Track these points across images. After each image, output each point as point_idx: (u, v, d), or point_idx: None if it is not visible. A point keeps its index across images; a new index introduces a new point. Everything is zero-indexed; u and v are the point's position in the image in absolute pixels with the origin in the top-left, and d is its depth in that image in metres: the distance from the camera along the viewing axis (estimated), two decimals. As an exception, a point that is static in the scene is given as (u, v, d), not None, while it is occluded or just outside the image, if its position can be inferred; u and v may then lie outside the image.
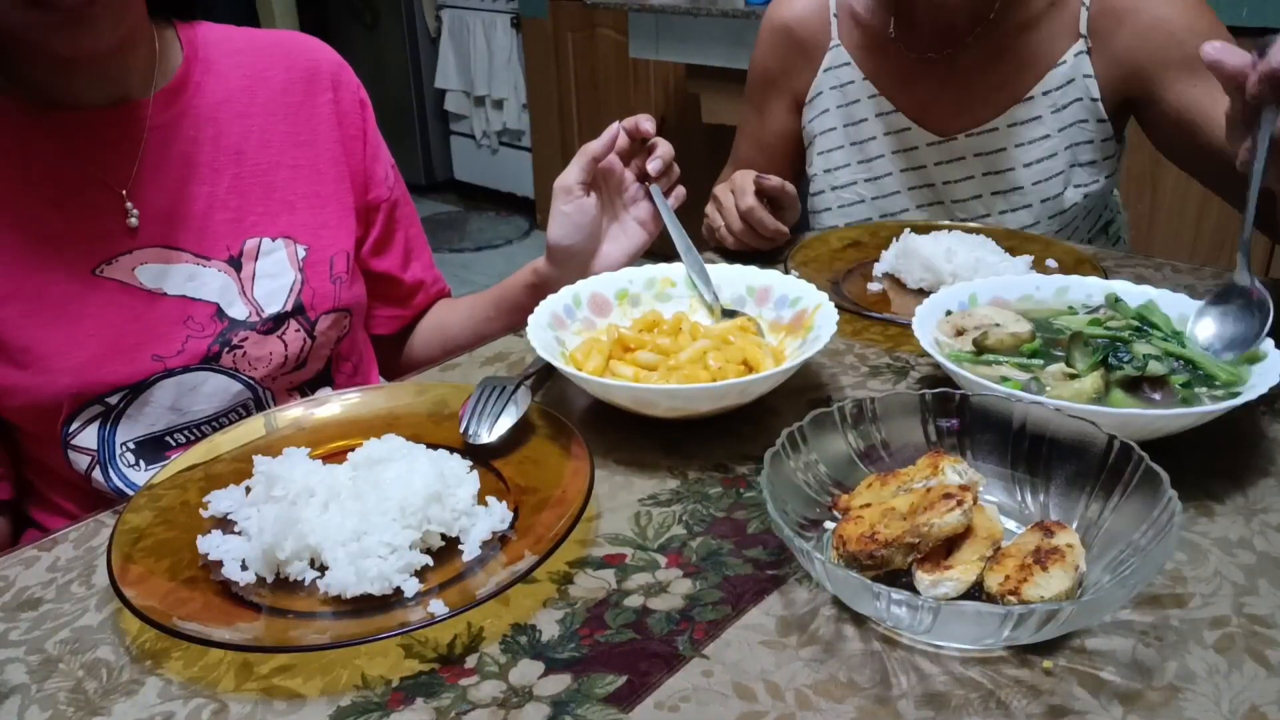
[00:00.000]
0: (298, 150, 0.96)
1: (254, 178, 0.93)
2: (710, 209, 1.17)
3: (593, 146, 0.96)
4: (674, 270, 0.94)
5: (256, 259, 0.92)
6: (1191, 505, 0.65)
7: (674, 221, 0.99)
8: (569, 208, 0.96)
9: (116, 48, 0.82)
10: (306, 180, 0.96)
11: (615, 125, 0.97)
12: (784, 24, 1.32)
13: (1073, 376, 0.74)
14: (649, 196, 1.01)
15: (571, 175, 0.96)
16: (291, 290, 0.93)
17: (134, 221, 0.86)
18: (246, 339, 0.90)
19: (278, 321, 0.92)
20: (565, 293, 0.88)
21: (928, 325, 0.81)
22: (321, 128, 0.98)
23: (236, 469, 0.71)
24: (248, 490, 0.67)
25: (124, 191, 0.86)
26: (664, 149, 0.99)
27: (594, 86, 3.91)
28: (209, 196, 0.90)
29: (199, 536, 0.63)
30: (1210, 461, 0.70)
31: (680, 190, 1.03)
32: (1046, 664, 0.52)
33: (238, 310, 0.90)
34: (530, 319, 0.81)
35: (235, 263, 0.91)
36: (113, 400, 0.85)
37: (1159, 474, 0.56)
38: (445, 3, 4.51)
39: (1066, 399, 0.69)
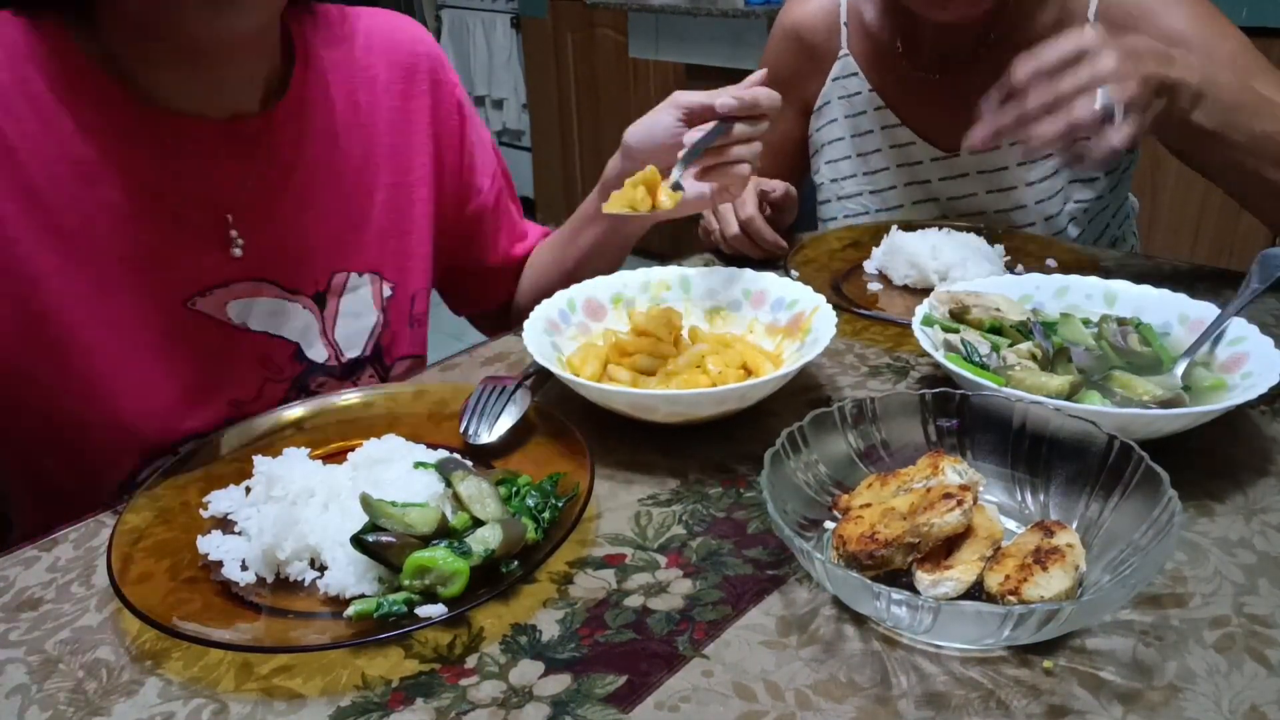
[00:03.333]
0: (394, 163, 0.93)
1: (354, 199, 0.90)
2: (707, 211, 1.16)
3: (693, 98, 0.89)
4: (669, 273, 0.93)
5: (342, 295, 0.89)
6: (1191, 505, 0.65)
7: (709, 140, 0.88)
8: (667, 116, 0.90)
9: (253, 38, 0.77)
10: (401, 202, 0.93)
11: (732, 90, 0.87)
12: (795, 28, 1.31)
13: (1035, 358, 0.76)
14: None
15: (687, 97, 0.90)
16: (371, 334, 0.92)
17: (238, 252, 0.81)
18: (323, 384, 0.88)
19: (355, 367, 0.91)
20: (560, 297, 0.87)
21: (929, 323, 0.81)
22: (417, 135, 0.95)
23: (236, 469, 0.71)
24: (248, 490, 0.67)
25: (229, 217, 0.81)
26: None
27: (594, 86, 3.90)
28: (309, 225, 0.86)
29: (199, 536, 0.63)
30: (1210, 461, 0.70)
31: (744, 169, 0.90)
32: (1046, 664, 0.52)
33: (316, 352, 0.88)
34: (526, 324, 0.81)
35: (320, 298, 0.88)
36: (182, 449, 0.81)
37: (1159, 474, 0.56)
38: (445, 3, 4.51)
39: (1028, 386, 0.71)
